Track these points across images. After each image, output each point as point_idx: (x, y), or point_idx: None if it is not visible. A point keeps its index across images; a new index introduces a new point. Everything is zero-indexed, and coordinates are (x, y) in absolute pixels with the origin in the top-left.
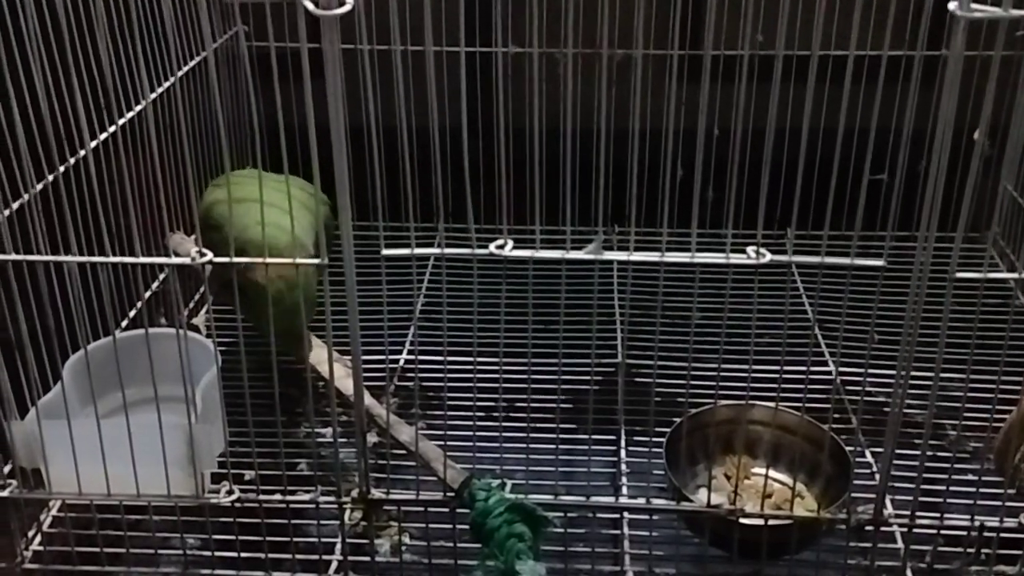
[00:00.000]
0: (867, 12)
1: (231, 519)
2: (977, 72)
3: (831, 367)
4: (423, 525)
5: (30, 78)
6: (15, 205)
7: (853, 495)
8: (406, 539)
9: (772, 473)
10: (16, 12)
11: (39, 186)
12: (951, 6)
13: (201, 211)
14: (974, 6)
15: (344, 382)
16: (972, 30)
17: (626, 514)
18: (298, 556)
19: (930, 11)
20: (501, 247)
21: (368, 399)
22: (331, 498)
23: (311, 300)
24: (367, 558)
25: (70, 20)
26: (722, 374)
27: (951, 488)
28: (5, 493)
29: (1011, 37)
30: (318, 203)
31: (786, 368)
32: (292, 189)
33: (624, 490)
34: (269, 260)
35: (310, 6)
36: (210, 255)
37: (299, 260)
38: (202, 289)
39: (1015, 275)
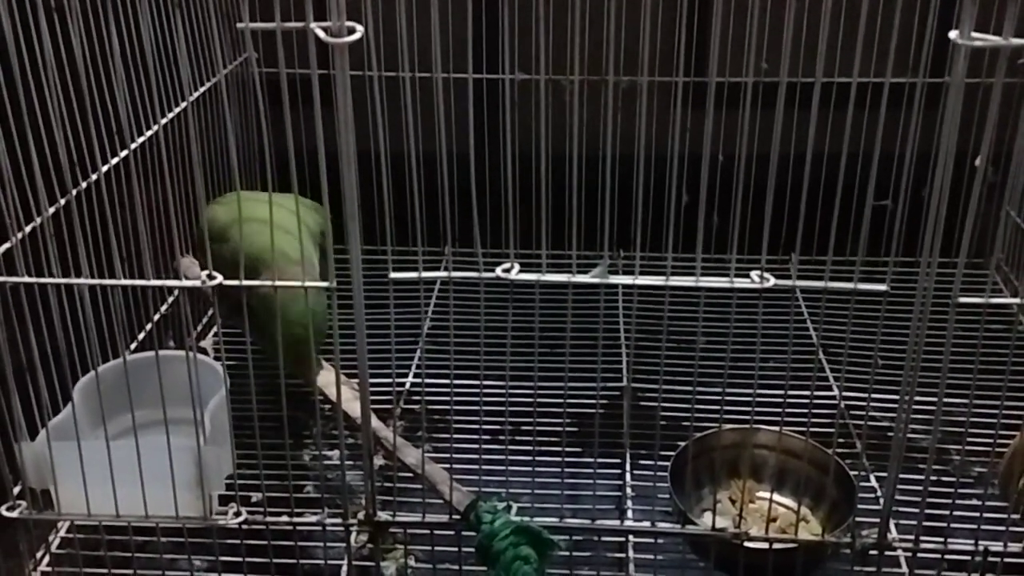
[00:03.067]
0: (870, 40)
1: (238, 541)
2: (980, 99)
3: (835, 391)
4: (429, 547)
5: (44, 102)
6: (28, 228)
7: (857, 519)
8: (412, 561)
9: (777, 497)
10: (31, 37)
11: (51, 210)
12: (952, 35)
13: (211, 231)
14: (975, 35)
15: (351, 405)
16: (974, 57)
17: (631, 537)
18: None
19: (932, 39)
20: (508, 271)
21: (375, 422)
22: (338, 520)
23: (320, 315)
24: None
25: (84, 46)
26: (727, 398)
27: (955, 513)
28: (15, 514)
29: (1013, 65)
30: (327, 222)
31: (790, 392)
32: (293, 209)
33: (630, 513)
34: (278, 283)
35: (321, 34)
36: (220, 278)
37: (308, 283)
38: (211, 312)
39: (1017, 300)
